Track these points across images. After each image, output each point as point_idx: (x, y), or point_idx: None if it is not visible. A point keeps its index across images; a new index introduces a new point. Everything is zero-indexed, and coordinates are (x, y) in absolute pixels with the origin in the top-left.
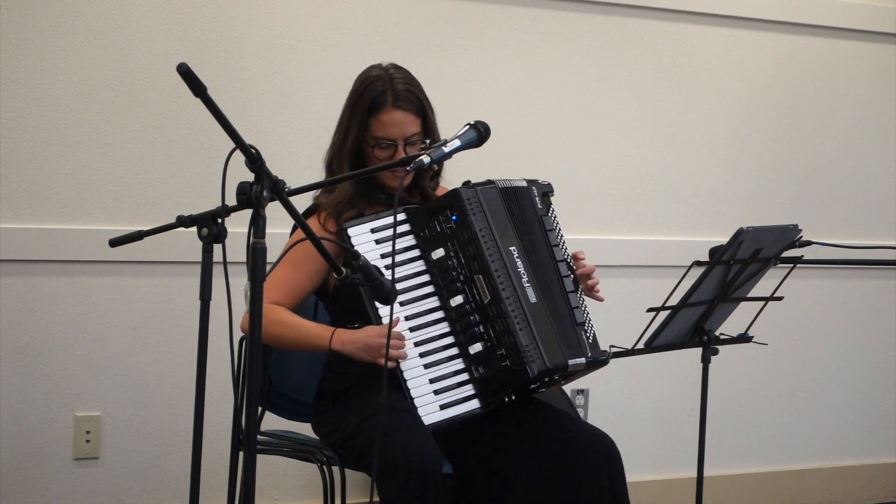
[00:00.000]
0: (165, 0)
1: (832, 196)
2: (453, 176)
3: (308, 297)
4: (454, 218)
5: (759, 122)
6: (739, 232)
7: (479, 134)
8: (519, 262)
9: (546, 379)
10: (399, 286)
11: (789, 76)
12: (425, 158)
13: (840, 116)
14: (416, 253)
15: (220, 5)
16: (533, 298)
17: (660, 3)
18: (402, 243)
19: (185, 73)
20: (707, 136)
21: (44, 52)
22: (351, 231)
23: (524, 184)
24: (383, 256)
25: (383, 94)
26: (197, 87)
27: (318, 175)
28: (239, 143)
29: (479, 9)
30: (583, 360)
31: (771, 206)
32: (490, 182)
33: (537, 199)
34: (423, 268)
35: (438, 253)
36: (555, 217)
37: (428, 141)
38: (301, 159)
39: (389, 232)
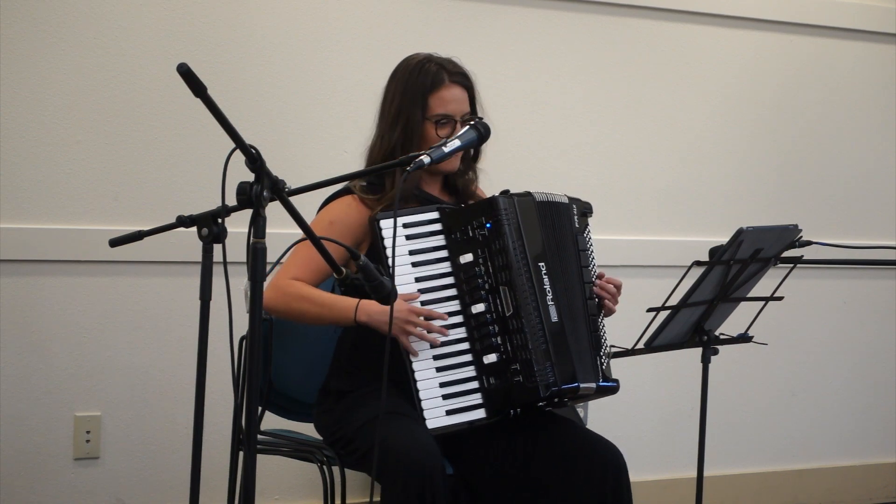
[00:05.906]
0: (165, 0)
1: (832, 196)
2: None
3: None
4: (488, 226)
5: (760, 122)
6: (739, 232)
7: (479, 134)
8: (546, 280)
9: (556, 399)
10: (423, 285)
11: (789, 76)
12: (425, 158)
13: (840, 116)
14: (444, 254)
15: (219, 5)
16: (554, 318)
17: (660, 3)
18: (431, 242)
19: (186, 73)
20: (707, 136)
21: (44, 52)
22: (383, 223)
23: (565, 200)
24: (412, 253)
25: (439, 72)
26: (197, 87)
27: (318, 175)
28: (239, 143)
29: (480, 9)
30: (594, 385)
31: (771, 206)
32: (528, 193)
33: (575, 217)
34: (449, 270)
35: (467, 258)
36: (589, 237)
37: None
38: (301, 159)
39: (421, 229)
